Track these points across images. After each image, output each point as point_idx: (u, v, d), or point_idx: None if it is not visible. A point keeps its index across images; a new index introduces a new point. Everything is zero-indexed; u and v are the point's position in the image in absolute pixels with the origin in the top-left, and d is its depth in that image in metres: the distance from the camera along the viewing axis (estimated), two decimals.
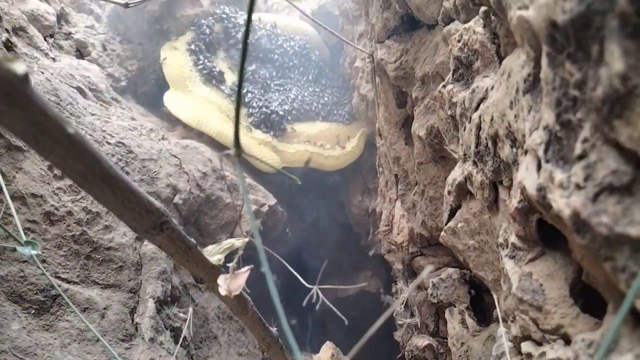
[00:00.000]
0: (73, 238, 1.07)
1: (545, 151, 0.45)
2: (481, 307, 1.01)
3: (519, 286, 0.56)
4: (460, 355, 0.95)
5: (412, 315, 1.33)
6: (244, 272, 0.55)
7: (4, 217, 0.93)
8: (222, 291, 0.52)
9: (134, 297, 1.12)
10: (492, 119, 0.65)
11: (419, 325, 1.23)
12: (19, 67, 0.29)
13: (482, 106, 0.71)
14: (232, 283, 0.53)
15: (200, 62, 1.88)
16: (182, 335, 1.09)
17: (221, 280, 0.54)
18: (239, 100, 0.38)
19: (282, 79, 2.09)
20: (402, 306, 1.35)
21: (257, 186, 1.71)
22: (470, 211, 0.87)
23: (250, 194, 1.65)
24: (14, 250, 0.90)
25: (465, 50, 0.78)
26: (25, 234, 0.75)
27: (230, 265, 0.55)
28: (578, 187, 0.39)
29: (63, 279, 1.02)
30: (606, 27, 0.34)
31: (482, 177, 0.73)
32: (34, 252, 0.71)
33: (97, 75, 1.52)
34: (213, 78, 1.86)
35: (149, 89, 1.90)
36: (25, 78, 0.30)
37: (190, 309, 1.17)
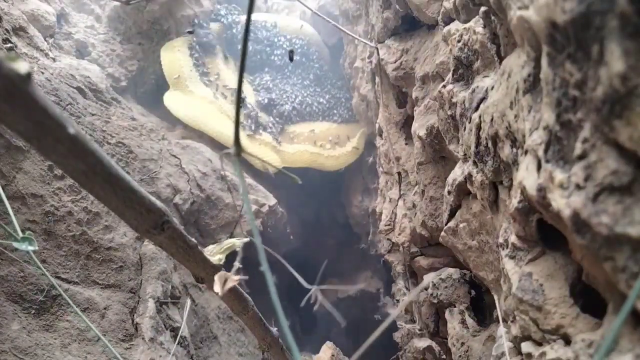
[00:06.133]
0: (73, 238, 1.07)
1: (545, 151, 0.45)
2: (481, 307, 1.01)
3: (519, 286, 0.56)
4: (460, 355, 0.95)
5: (412, 317, 1.33)
6: (235, 278, 0.55)
7: (2, 217, 0.93)
8: (217, 288, 0.53)
9: (134, 297, 1.12)
10: (492, 119, 0.65)
11: (419, 329, 1.23)
12: (22, 67, 0.29)
13: (482, 106, 0.71)
14: (225, 284, 0.53)
15: (200, 62, 1.88)
16: (178, 336, 1.09)
17: (217, 277, 0.55)
18: (238, 100, 0.38)
19: (282, 79, 2.09)
20: (402, 308, 1.35)
21: (257, 186, 1.71)
22: (470, 211, 0.87)
23: (250, 194, 1.65)
24: (15, 250, 0.90)
25: (465, 50, 0.79)
26: (24, 233, 0.75)
27: (235, 263, 0.56)
28: (578, 187, 0.39)
29: (63, 279, 1.02)
30: (606, 27, 0.34)
31: (482, 177, 0.73)
32: (30, 248, 0.71)
33: (97, 75, 1.52)
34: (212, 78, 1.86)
35: (149, 89, 1.89)
36: (27, 77, 0.30)
37: (185, 313, 1.17)
